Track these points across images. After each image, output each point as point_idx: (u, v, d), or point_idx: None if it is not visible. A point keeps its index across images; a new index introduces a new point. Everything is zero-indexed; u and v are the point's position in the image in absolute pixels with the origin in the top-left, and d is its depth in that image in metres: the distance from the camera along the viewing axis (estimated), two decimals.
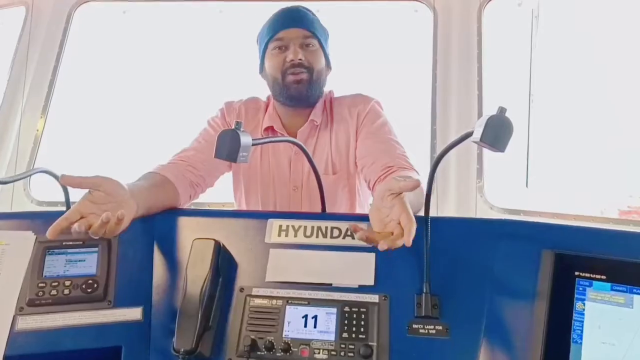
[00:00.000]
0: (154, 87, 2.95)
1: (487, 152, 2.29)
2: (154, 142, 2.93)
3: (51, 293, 1.11)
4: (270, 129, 1.57)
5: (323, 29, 1.55)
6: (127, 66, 2.87)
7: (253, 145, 1.00)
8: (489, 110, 2.33)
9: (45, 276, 1.13)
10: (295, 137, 1.55)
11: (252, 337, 1.05)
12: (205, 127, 1.57)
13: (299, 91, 1.47)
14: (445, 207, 2.29)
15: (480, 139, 0.82)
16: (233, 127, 0.96)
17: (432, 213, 1.21)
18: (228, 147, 0.96)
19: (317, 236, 1.19)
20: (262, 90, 1.67)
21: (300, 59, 1.46)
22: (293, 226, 1.20)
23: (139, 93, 2.95)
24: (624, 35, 2.34)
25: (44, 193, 2.44)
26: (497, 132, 0.83)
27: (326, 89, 1.61)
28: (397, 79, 2.64)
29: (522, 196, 2.45)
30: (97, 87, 2.86)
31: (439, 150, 2.35)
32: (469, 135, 0.89)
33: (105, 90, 2.90)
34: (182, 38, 2.80)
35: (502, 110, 0.83)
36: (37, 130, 2.43)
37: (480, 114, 2.32)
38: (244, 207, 1.60)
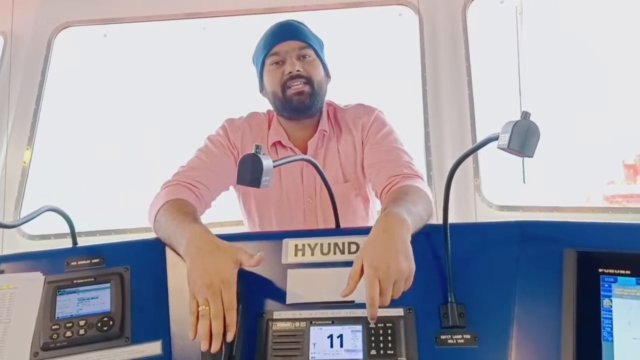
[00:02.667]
0: (140, 107, 2.91)
1: (482, 150, 2.29)
2: (141, 163, 2.89)
3: (66, 335, 1.06)
4: (278, 144, 1.56)
5: (317, 39, 1.56)
6: (111, 89, 2.83)
7: (274, 167, 0.97)
8: (482, 108, 2.34)
9: (58, 317, 1.08)
10: (304, 148, 1.56)
11: None
12: (207, 144, 1.53)
13: (302, 102, 1.46)
14: None
15: (508, 146, 0.81)
16: (253, 151, 0.93)
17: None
18: (250, 173, 0.93)
19: (334, 253, 1.16)
20: (251, 107, 1.65)
21: (298, 70, 1.45)
22: (309, 244, 1.17)
23: (125, 115, 2.91)
24: (609, 25, 2.37)
25: (34, 226, 2.38)
26: (524, 138, 0.82)
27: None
28: (385, 84, 2.63)
29: (517, 192, 2.46)
30: (82, 112, 2.81)
31: (433, 153, 2.37)
32: (491, 140, 0.88)
33: (90, 114, 2.84)
34: (166, 57, 2.77)
35: (526, 115, 0.82)
36: (24, 163, 2.37)
37: (472, 113, 2.32)
38: (256, 226, 1.59)
